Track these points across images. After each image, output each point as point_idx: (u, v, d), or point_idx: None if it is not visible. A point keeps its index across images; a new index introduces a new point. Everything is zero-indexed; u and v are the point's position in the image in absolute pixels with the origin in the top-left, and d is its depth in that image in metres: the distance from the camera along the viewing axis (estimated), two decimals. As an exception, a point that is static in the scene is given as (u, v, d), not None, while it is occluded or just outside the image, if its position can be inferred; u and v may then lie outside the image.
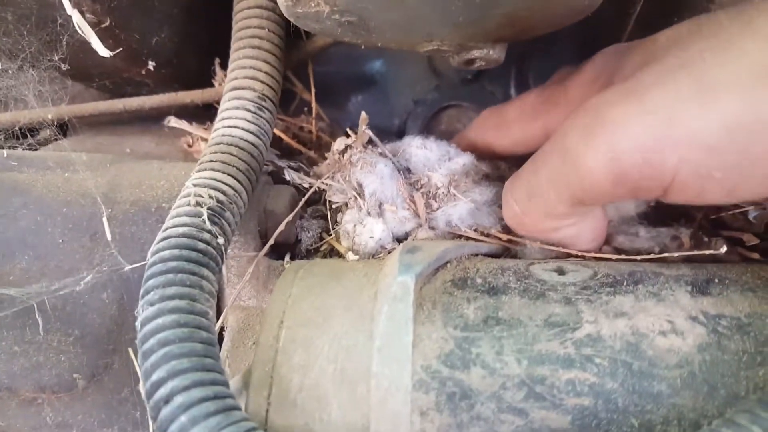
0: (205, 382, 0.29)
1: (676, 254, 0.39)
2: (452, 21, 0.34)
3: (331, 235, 0.45)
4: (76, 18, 0.39)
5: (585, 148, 0.32)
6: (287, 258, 0.45)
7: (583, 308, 0.33)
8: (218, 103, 0.50)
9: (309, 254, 0.47)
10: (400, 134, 0.64)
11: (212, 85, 0.52)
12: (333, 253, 0.46)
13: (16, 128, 0.47)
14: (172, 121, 0.50)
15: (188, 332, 0.31)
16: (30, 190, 0.43)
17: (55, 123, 0.49)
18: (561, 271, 0.36)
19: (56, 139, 0.53)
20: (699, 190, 0.31)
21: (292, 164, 0.49)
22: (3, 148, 0.46)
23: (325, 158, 0.52)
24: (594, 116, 0.32)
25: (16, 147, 0.48)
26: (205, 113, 0.54)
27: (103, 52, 0.41)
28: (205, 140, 0.49)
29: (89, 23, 0.40)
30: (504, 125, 0.44)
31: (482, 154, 0.46)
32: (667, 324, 0.32)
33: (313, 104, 0.53)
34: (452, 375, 0.31)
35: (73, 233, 0.42)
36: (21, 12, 0.40)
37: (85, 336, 0.42)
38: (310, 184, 0.47)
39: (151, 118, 0.54)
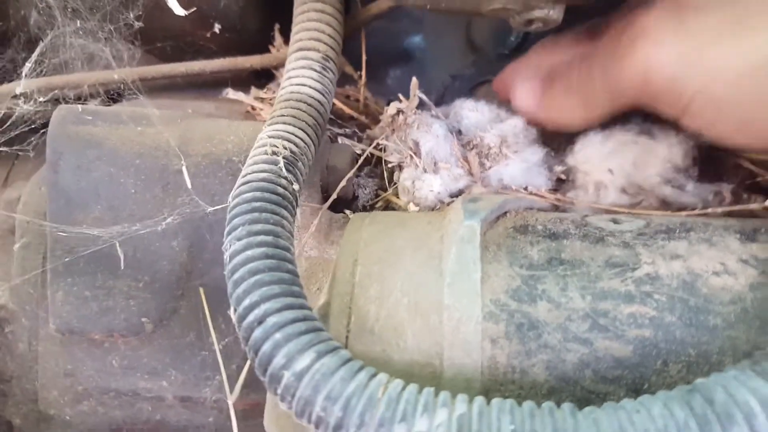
0: (295, 306, 0.31)
1: (719, 209, 0.41)
2: (521, -20, 0.36)
3: (387, 191, 0.48)
4: (156, -24, 0.42)
5: (629, 56, 0.36)
6: (348, 212, 0.47)
7: (641, 251, 0.35)
8: (275, 68, 0.53)
9: (365, 209, 0.49)
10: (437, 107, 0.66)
11: (268, 51, 0.54)
12: (388, 209, 0.48)
13: (84, 87, 0.50)
14: (230, 93, 0.52)
15: (275, 263, 0.33)
16: (104, 142, 0.45)
17: (122, 84, 0.51)
18: (616, 221, 0.38)
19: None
20: (711, 121, 0.35)
21: (347, 131, 0.51)
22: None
23: (373, 122, 0.54)
24: (641, 29, 0.35)
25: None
26: (257, 81, 0.56)
27: (179, 11, 0.43)
28: (268, 103, 0.51)
29: (165, -20, 0.42)
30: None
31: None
32: (720, 265, 0.34)
33: (363, 70, 0.55)
34: (520, 308, 0.33)
35: (146, 184, 0.44)
36: (103, -30, 0.43)
37: (155, 282, 0.45)
38: (363, 149, 0.49)
39: (206, 85, 0.57)
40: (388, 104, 0.59)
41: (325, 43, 0.45)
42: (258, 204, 0.35)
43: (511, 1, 0.38)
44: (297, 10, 0.47)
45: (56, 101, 0.49)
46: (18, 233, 0.50)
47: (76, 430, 0.50)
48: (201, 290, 0.44)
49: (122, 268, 0.43)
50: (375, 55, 0.68)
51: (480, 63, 0.69)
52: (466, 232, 0.36)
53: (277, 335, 0.30)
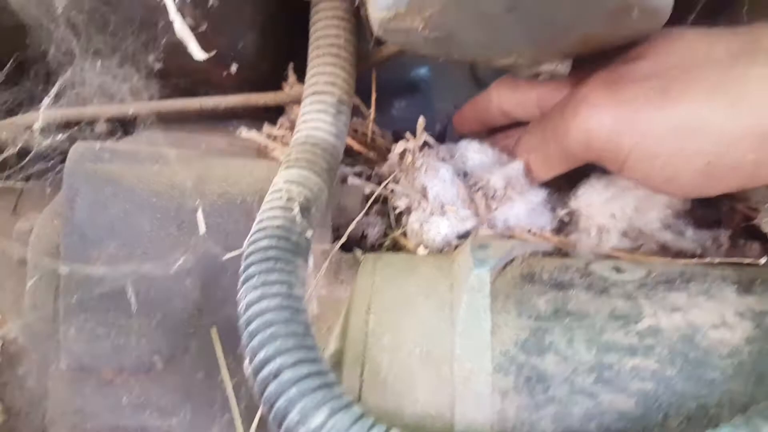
0: (309, 359, 0.32)
1: (717, 260, 0.43)
2: (533, 40, 0.37)
3: (395, 232, 0.49)
4: (178, 23, 0.43)
5: (572, 120, 0.41)
6: (358, 251, 0.48)
7: (643, 303, 0.36)
8: (288, 104, 0.55)
9: (373, 248, 0.50)
10: (441, 138, 0.67)
11: (280, 88, 0.55)
12: (396, 248, 0.50)
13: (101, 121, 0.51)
14: (244, 132, 0.54)
15: (290, 314, 0.34)
16: (121, 180, 0.46)
17: (133, 118, 0.52)
18: (619, 269, 0.40)
19: (117, 134, 0.57)
20: (645, 174, 0.40)
21: (356, 170, 0.52)
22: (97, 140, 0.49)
23: (381, 158, 0.56)
24: (583, 97, 0.41)
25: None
26: (267, 114, 0.58)
27: (199, 55, 0.44)
28: (280, 141, 0.52)
29: (188, 27, 0.43)
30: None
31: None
32: (718, 318, 0.36)
33: (372, 108, 0.56)
34: (529, 360, 0.34)
35: (161, 222, 0.45)
36: (127, 15, 0.44)
37: (167, 320, 0.45)
38: (372, 189, 0.51)
39: (218, 117, 0.58)
40: (393, 136, 0.61)
41: (339, 87, 0.46)
42: (273, 252, 0.36)
43: (522, 56, 0.40)
44: (312, 53, 0.48)
45: (72, 138, 0.50)
46: (30, 266, 0.50)
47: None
48: (214, 330, 0.45)
49: (134, 309, 0.44)
50: (381, 86, 0.69)
51: (483, 95, 0.70)
52: (476, 282, 0.37)
53: (292, 391, 0.31)
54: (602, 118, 0.40)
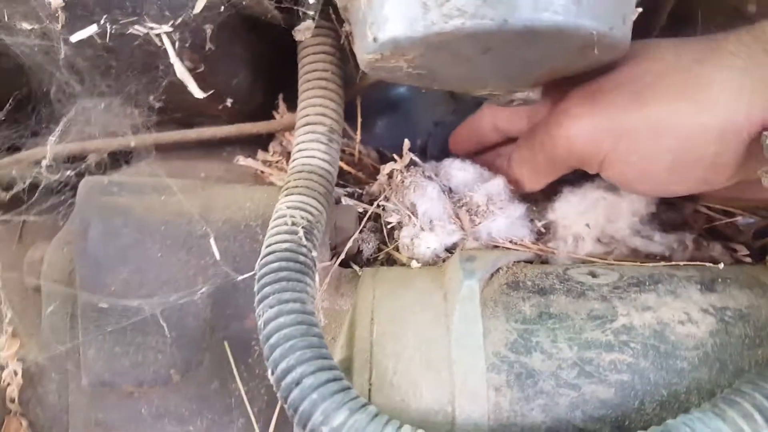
0: (326, 367, 0.36)
1: (682, 263, 0.48)
2: (505, 75, 0.42)
3: (388, 247, 0.53)
4: (179, 66, 0.46)
5: (557, 131, 0.46)
6: (356, 267, 0.52)
7: (617, 304, 0.41)
8: (279, 132, 0.58)
9: (369, 262, 0.54)
10: (422, 152, 0.71)
11: (271, 117, 0.59)
12: (389, 261, 0.54)
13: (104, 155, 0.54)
14: (241, 160, 0.57)
15: (305, 329, 0.38)
16: (130, 211, 0.49)
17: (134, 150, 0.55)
18: (594, 274, 0.44)
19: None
20: (620, 172, 0.45)
21: (348, 190, 0.56)
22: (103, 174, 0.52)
23: (368, 176, 0.60)
24: (564, 109, 0.46)
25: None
26: (258, 140, 0.61)
27: (198, 94, 0.48)
28: (275, 167, 0.56)
29: (186, 69, 0.47)
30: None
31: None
32: (684, 315, 0.40)
33: (358, 132, 0.60)
34: (518, 359, 0.39)
35: (171, 249, 0.49)
36: (129, 60, 0.47)
37: (182, 336, 0.49)
38: (365, 209, 0.55)
39: (210, 145, 0.61)
40: (378, 154, 0.65)
41: (330, 117, 0.50)
42: (284, 273, 0.40)
43: (497, 88, 0.44)
44: (302, 87, 0.52)
45: (80, 173, 0.53)
46: (45, 293, 0.53)
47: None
48: (226, 344, 0.49)
49: (174, 335, 0.47)
50: (364, 105, 0.73)
51: (459, 111, 0.74)
52: (466, 292, 0.41)
53: (314, 395, 0.35)
54: (582, 126, 0.44)
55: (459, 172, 0.54)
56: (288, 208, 0.45)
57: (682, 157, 0.42)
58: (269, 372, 0.37)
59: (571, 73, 0.45)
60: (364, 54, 0.41)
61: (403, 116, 0.77)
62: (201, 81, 0.49)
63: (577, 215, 0.51)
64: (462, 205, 0.52)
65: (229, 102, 0.54)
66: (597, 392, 0.38)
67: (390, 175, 0.55)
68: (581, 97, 0.45)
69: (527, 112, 0.53)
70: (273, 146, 0.60)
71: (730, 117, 0.39)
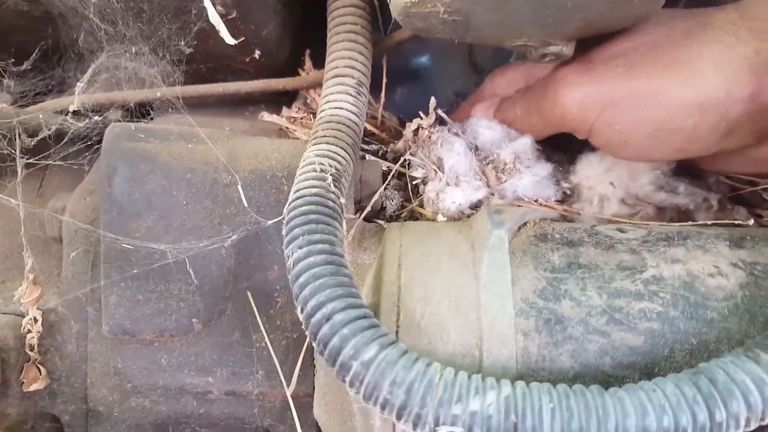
0: (356, 305, 0.36)
1: (709, 222, 0.47)
2: (543, 22, 0.41)
3: (412, 203, 0.53)
4: (211, 10, 0.46)
5: (553, 97, 0.48)
6: (381, 221, 0.52)
7: (646, 256, 0.41)
8: (304, 89, 0.58)
9: (392, 219, 0.54)
10: (441, 124, 0.71)
11: (296, 74, 0.59)
12: (412, 218, 0.53)
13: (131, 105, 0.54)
14: (266, 116, 0.57)
15: (335, 268, 0.38)
16: (156, 158, 0.49)
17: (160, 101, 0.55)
18: (622, 230, 0.44)
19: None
20: (606, 139, 0.47)
21: (373, 148, 0.56)
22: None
23: (391, 138, 0.59)
24: (561, 77, 0.48)
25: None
26: (279, 101, 0.61)
27: (229, 40, 0.47)
28: (299, 123, 0.56)
29: (219, 14, 0.47)
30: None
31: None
32: (714, 268, 0.40)
33: (383, 92, 0.60)
34: (547, 305, 0.39)
35: (196, 196, 0.48)
36: (162, 3, 0.47)
37: (204, 285, 0.49)
38: (389, 166, 0.54)
39: (232, 103, 0.61)
40: (399, 120, 0.65)
41: (358, 70, 0.50)
42: (314, 216, 0.40)
43: (532, 38, 0.44)
44: (331, 39, 0.51)
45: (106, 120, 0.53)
46: (66, 241, 0.53)
47: (123, 425, 0.54)
48: (249, 294, 0.48)
49: (197, 283, 0.47)
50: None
51: (481, 82, 0.74)
52: (495, 241, 0.41)
53: (345, 330, 0.35)
54: (574, 94, 0.46)
55: (486, 130, 0.53)
56: (316, 155, 0.44)
57: (662, 126, 0.44)
58: (298, 310, 0.37)
59: (607, 27, 0.45)
60: (400, -2, 0.41)
61: (423, 86, 0.77)
62: (232, 28, 0.49)
63: (600, 175, 0.51)
64: (488, 163, 0.52)
65: (257, 54, 0.53)
66: (626, 339, 0.37)
67: (416, 132, 0.55)
68: (577, 67, 0.47)
69: (526, 79, 0.55)
70: (297, 104, 0.60)
71: (711, 92, 0.42)
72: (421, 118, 0.54)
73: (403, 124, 0.65)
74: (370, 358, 0.34)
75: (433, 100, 0.54)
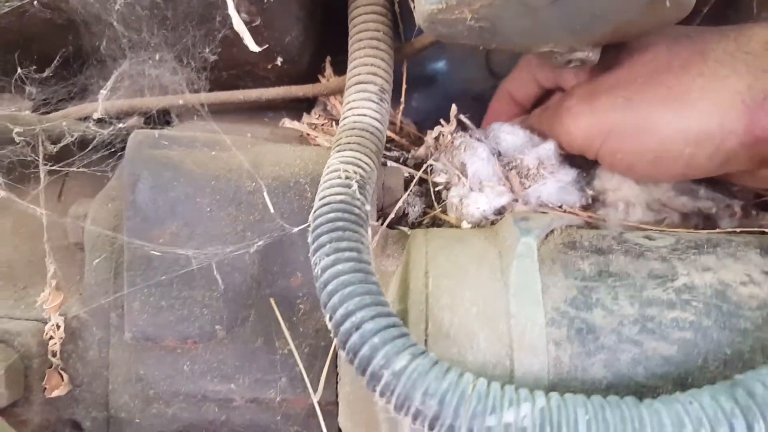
0: (385, 313, 0.36)
1: (738, 230, 0.47)
2: (571, 28, 0.41)
3: (434, 209, 0.52)
4: (235, 18, 0.46)
5: (560, 125, 0.50)
6: (404, 228, 0.52)
7: (677, 264, 0.40)
8: (325, 95, 0.58)
9: (414, 226, 0.54)
10: (463, 130, 0.71)
11: (316, 80, 0.59)
12: (435, 225, 0.53)
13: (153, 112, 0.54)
14: (287, 123, 0.57)
15: (363, 276, 0.37)
16: (180, 165, 0.49)
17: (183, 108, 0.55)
18: (650, 237, 0.44)
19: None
20: (611, 162, 0.49)
21: (393, 155, 0.56)
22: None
23: (411, 143, 0.59)
24: (567, 107, 0.50)
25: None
26: (299, 107, 0.61)
27: (254, 47, 0.47)
28: (320, 130, 0.56)
29: (243, 22, 0.47)
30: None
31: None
32: (746, 276, 0.39)
33: (402, 98, 0.60)
34: (578, 314, 0.38)
35: (220, 203, 0.48)
36: (187, 10, 0.47)
37: (228, 292, 0.48)
38: (411, 173, 0.54)
39: (251, 110, 0.61)
40: (415, 125, 0.65)
41: (381, 77, 0.50)
42: (340, 223, 0.40)
43: (559, 44, 0.43)
44: (353, 46, 0.51)
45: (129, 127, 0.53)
46: (88, 247, 0.53)
47: (144, 431, 0.53)
48: (272, 301, 0.48)
49: (222, 289, 0.47)
50: (401, 77, 0.73)
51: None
52: (524, 248, 0.41)
53: (375, 339, 0.34)
54: (579, 123, 0.49)
55: (508, 135, 0.53)
56: (341, 162, 0.44)
57: (661, 155, 0.46)
58: (327, 318, 0.37)
59: (634, 34, 0.44)
60: (426, 5, 0.41)
61: (440, 91, 0.77)
62: (256, 35, 0.49)
63: (624, 180, 0.50)
64: (512, 168, 0.51)
65: (279, 60, 0.53)
66: (659, 349, 0.37)
67: (437, 138, 0.55)
68: (581, 96, 0.49)
69: (535, 77, 0.57)
70: (317, 110, 0.60)
71: (705, 125, 0.43)
72: (442, 126, 0.54)
73: (421, 130, 0.65)
74: (402, 367, 0.33)
75: (454, 108, 0.54)
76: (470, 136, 0.53)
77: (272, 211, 0.46)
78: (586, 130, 0.48)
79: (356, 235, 0.40)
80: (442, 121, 0.55)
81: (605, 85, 0.48)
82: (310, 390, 0.46)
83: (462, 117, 0.53)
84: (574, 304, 0.39)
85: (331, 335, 0.37)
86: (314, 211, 0.42)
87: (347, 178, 0.43)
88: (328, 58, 0.58)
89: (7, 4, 0.50)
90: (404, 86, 0.60)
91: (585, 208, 0.52)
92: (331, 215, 0.40)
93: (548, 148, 0.52)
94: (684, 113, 0.44)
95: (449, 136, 0.52)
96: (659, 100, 0.45)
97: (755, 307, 0.38)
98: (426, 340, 0.39)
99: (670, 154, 0.45)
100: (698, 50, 0.45)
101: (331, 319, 0.36)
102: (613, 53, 0.49)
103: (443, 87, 0.78)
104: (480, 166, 0.50)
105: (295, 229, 0.45)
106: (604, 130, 0.47)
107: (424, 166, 0.53)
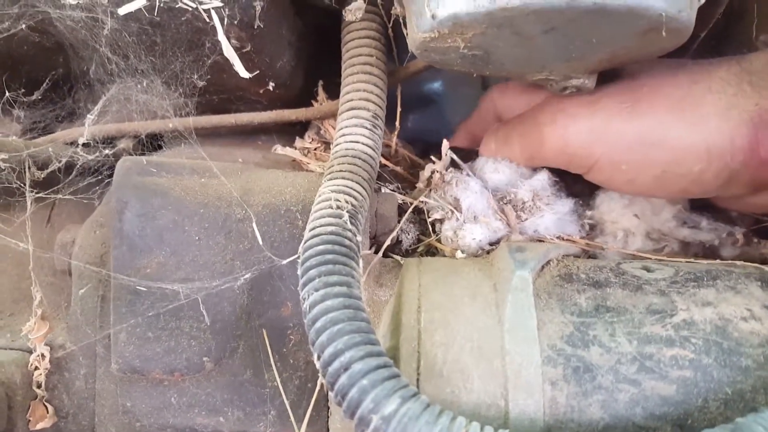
0: (375, 353, 0.35)
1: (738, 263, 0.46)
2: (567, 57, 0.40)
3: (431, 238, 0.51)
4: (225, 44, 0.45)
5: (550, 128, 0.46)
6: (397, 256, 0.51)
7: (676, 298, 0.39)
8: (318, 119, 0.57)
9: (408, 254, 0.53)
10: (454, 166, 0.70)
11: (308, 105, 0.58)
12: (429, 253, 0.52)
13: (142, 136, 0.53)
14: (279, 149, 0.56)
15: (353, 313, 0.36)
16: (169, 192, 0.48)
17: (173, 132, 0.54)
18: (648, 269, 0.42)
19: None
20: (609, 177, 0.46)
21: (389, 187, 0.55)
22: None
23: (405, 169, 0.58)
24: (562, 107, 0.46)
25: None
26: (292, 131, 0.60)
27: (244, 73, 0.47)
28: (313, 155, 0.55)
29: (233, 48, 0.46)
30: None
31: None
32: (747, 311, 0.38)
33: (398, 122, 0.59)
34: (575, 352, 0.37)
35: (209, 232, 0.47)
36: (175, 37, 0.46)
37: (216, 323, 0.47)
38: (404, 200, 0.53)
39: (244, 133, 0.60)
40: (411, 146, 0.64)
41: (374, 103, 0.49)
42: (330, 256, 0.39)
43: (554, 72, 0.43)
44: (346, 71, 0.50)
45: (117, 153, 0.52)
46: (75, 275, 0.52)
47: (131, 464, 0.52)
48: (264, 332, 0.47)
49: (205, 321, 0.45)
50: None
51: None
52: (518, 282, 0.40)
53: (364, 381, 0.33)
54: (578, 127, 0.45)
55: (493, 174, 0.52)
56: (332, 191, 0.43)
57: (669, 170, 0.44)
58: (315, 357, 0.36)
59: (630, 60, 0.43)
60: (419, 33, 0.40)
61: (435, 111, 0.76)
62: (246, 61, 0.48)
63: (623, 208, 0.50)
64: (507, 202, 0.50)
65: (271, 85, 0.52)
66: (658, 389, 0.36)
67: (430, 177, 0.54)
68: (578, 98, 0.46)
69: (526, 99, 0.53)
70: (310, 133, 0.59)
71: (718, 139, 0.42)
72: (433, 162, 0.53)
73: (416, 151, 0.64)
74: (392, 412, 0.32)
75: (445, 143, 0.53)
76: (461, 171, 0.52)
77: (261, 242, 0.45)
78: (585, 134, 0.45)
79: (346, 269, 0.39)
80: (433, 157, 0.54)
81: (606, 90, 0.46)
82: (295, 427, 0.44)
83: (452, 154, 0.52)
84: (571, 341, 0.37)
85: (320, 375, 0.35)
86: (304, 243, 0.40)
87: (338, 207, 0.42)
88: (321, 83, 0.57)
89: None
90: (399, 109, 0.59)
91: (585, 236, 0.51)
92: (321, 247, 0.39)
93: (541, 179, 0.51)
94: (697, 128, 0.42)
95: (440, 173, 0.51)
96: (666, 111, 0.43)
97: (756, 344, 0.37)
98: (418, 379, 0.38)
99: (679, 169, 0.43)
100: (704, 68, 0.44)
101: (319, 358, 0.35)
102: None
103: (439, 107, 0.77)
104: (474, 199, 0.49)
105: (284, 261, 0.44)
106: (608, 137, 0.44)
107: (417, 200, 0.51)
